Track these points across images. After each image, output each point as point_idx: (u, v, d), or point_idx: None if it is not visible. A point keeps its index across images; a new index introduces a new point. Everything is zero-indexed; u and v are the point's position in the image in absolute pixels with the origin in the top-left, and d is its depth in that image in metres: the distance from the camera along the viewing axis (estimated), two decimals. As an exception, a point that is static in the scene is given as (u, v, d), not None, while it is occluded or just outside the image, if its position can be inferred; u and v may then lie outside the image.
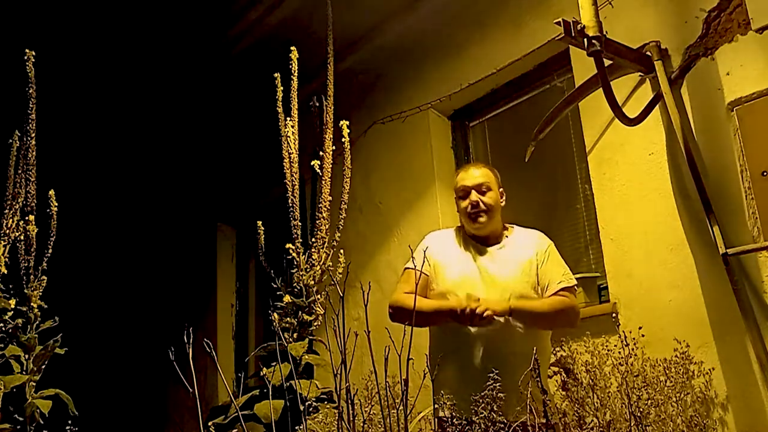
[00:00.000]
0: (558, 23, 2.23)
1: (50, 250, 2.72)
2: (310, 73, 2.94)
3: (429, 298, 2.38)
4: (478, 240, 2.44)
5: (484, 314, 2.15)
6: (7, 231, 2.71)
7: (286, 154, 2.77)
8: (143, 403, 5.07)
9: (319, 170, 2.79)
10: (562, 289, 2.31)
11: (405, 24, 3.68)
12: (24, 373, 2.58)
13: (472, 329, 2.25)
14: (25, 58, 2.77)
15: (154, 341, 4.86)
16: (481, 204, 2.38)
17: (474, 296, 2.23)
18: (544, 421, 1.84)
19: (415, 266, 2.40)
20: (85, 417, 2.62)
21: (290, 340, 2.61)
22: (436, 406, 2.11)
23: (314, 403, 2.39)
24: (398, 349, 1.56)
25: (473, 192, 2.40)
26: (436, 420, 2.09)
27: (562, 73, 3.11)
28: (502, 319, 2.20)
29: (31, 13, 3.97)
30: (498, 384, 1.79)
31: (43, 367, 2.65)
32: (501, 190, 2.48)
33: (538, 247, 2.39)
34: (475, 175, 2.44)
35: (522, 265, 2.34)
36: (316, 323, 2.69)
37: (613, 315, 2.60)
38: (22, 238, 2.71)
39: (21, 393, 2.56)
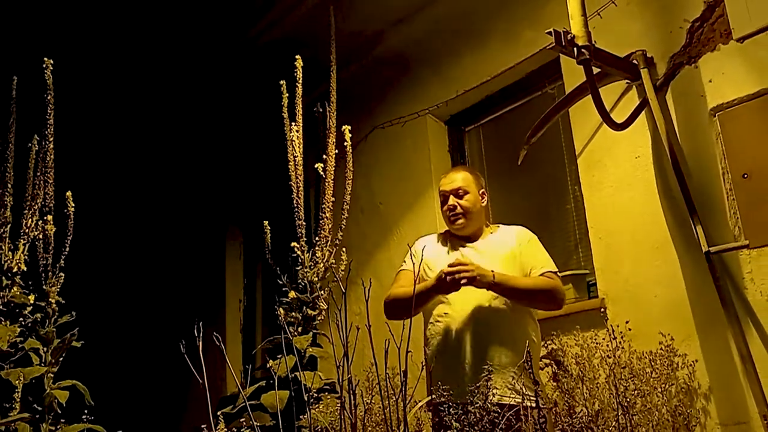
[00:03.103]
0: (549, 33, 2.23)
1: (67, 249, 2.72)
2: (314, 83, 2.94)
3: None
4: (462, 238, 2.46)
5: (459, 275, 2.12)
6: (27, 230, 2.71)
7: (291, 157, 2.77)
8: (156, 394, 5.07)
9: (322, 173, 2.79)
10: (545, 273, 2.30)
11: (404, 33, 3.68)
12: (42, 365, 2.59)
13: (458, 317, 2.25)
14: (44, 66, 2.77)
15: (167, 335, 4.85)
16: (458, 207, 2.41)
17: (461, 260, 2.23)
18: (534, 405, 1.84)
19: (411, 266, 2.41)
20: (101, 407, 2.63)
21: (295, 333, 2.61)
22: (432, 396, 2.12)
23: (318, 394, 2.40)
24: (397, 342, 1.56)
25: (451, 196, 2.43)
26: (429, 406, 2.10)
27: (553, 80, 3.11)
28: (486, 282, 2.17)
29: (50, 18, 3.96)
30: (490, 372, 1.79)
31: (61, 359, 2.66)
32: (482, 191, 2.48)
33: (520, 239, 2.39)
34: (453, 180, 2.47)
35: (505, 255, 2.35)
36: (319, 318, 2.69)
37: (602, 310, 2.60)
38: (40, 237, 2.71)
39: (40, 384, 2.57)
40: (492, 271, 2.18)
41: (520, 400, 1.94)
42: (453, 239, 2.48)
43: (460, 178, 2.47)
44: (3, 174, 2.73)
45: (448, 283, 2.14)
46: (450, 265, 2.16)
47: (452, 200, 2.42)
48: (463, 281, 2.12)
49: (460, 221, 2.41)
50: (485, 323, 2.24)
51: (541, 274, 2.30)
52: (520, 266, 2.33)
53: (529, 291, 2.26)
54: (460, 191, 2.43)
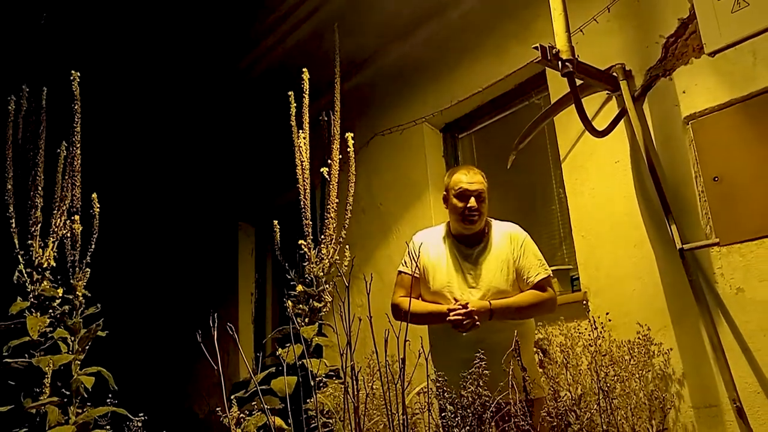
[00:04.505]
0: (536, 48, 2.23)
1: (93, 246, 2.73)
2: (320, 91, 2.95)
3: (423, 296, 2.34)
4: (462, 239, 2.38)
5: (465, 322, 2.13)
6: (56, 229, 2.71)
7: (299, 162, 2.77)
8: (174, 379, 5.08)
9: (327, 176, 2.80)
10: (540, 282, 2.27)
11: (403, 49, 3.69)
12: (70, 352, 2.59)
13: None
14: (71, 78, 2.78)
15: (184, 325, 4.85)
16: (478, 211, 2.33)
17: (462, 302, 2.19)
18: (524, 395, 1.84)
19: (411, 270, 2.36)
20: (124, 391, 2.63)
21: (302, 324, 2.61)
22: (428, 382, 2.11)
23: (323, 379, 2.40)
24: (396, 332, 1.56)
25: (473, 198, 2.32)
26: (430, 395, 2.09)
27: (539, 91, 3.10)
28: (486, 318, 2.17)
29: (79, 34, 3.98)
30: (484, 364, 1.79)
31: (87, 347, 2.66)
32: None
33: (514, 244, 2.33)
34: (476, 181, 2.36)
35: (501, 263, 2.28)
36: (324, 309, 2.69)
37: (584, 302, 2.60)
38: (68, 235, 2.71)
39: (68, 370, 2.57)
40: (489, 302, 2.19)
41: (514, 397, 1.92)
42: (453, 241, 2.39)
43: (480, 180, 2.37)
44: (34, 177, 2.73)
45: (454, 324, 2.16)
46: (451, 309, 2.18)
47: (473, 202, 2.32)
48: (468, 326, 2.15)
49: (477, 223, 2.34)
50: (485, 327, 2.21)
51: (536, 284, 2.26)
52: (516, 270, 2.29)
53: (522, 310, 2.24)
54: (481, 195, 2.34)
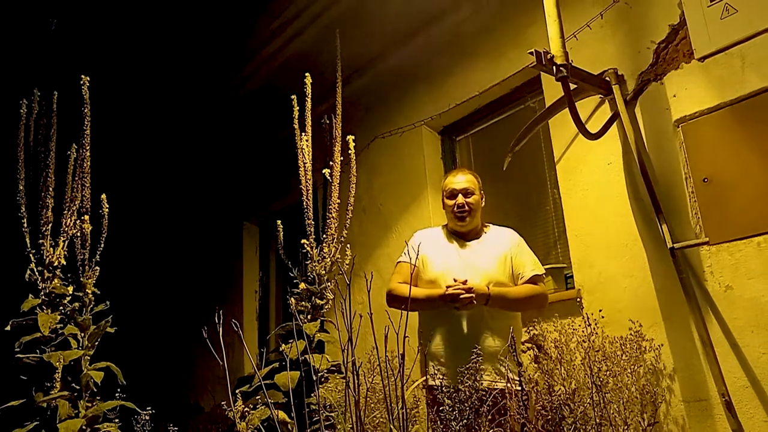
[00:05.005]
0: (531, 53, 2.24)
1: (102, 245, 2.73)
2: (319, 99, 2.96)
3: (419, 286, 2.38)
4: (460, 236, 2.44)
5: (461, 297, 2.16)
6: (66, 229, 2.72)
7: (301, 163, 2.77)
8: (181, 374, 5.08)
9: (329, 177, 2.80)
10: (533, 276, 2.32)
11: (402, 54, 3.69)
12: (80, 348, 2.59)
13: (455, 311, 2.25)
14: (81, 82, 2.78)
15: (190, 322, 4.86)
16: (466, 206, 2.39)
17: (461, 279, 2.23)
18: (519, 388, 1.85)
19: (410, 260, 2.40)
20: (132, 386, 2.64)
21: (305, 320, 2.62)
22: (427, 376, 2.12)
23: (325, 374, 2.40)
24: (396, 328, 1.57)
25: (460, 195, 2.39)
26: (426, 388, 2.10)
27: (534, 95, 3.11)
28: (483, 301, 2.21)
29: (89, 43, 3.99)
30: (480, 357, 1.80)
31: (96, 343, 2.66)
32: (482, 192, 2.48)
33: (512, 243, 2.39)
34: (463, 180, 2.44)
35: (498, 257, 2.34)
36: (326, 306, 2.70)
37: (578, 300, 2.60)
38: (78, 234, 2.72)
39: (78, 365, 2.58)
40: (487, 286, 2.22)
41: (507, 385, 1.94)
42: (451, 236, 2.44)
43: (468, 179, 2.44)
44: (45, 179, 2.74)
45: (452, 299, 2.18)
46: (449, 287, 2.20)
47: (461, 199, 2.38)
48: (465, 301, 2.15)
49: (467, 219, 2.38)
50: (478, 313, 2.23)
51: (529, 278, 2.31)
52: (511, 267, 2.34)
53: (517, 301, 2.29)
54: (468, 191, 2.40)
